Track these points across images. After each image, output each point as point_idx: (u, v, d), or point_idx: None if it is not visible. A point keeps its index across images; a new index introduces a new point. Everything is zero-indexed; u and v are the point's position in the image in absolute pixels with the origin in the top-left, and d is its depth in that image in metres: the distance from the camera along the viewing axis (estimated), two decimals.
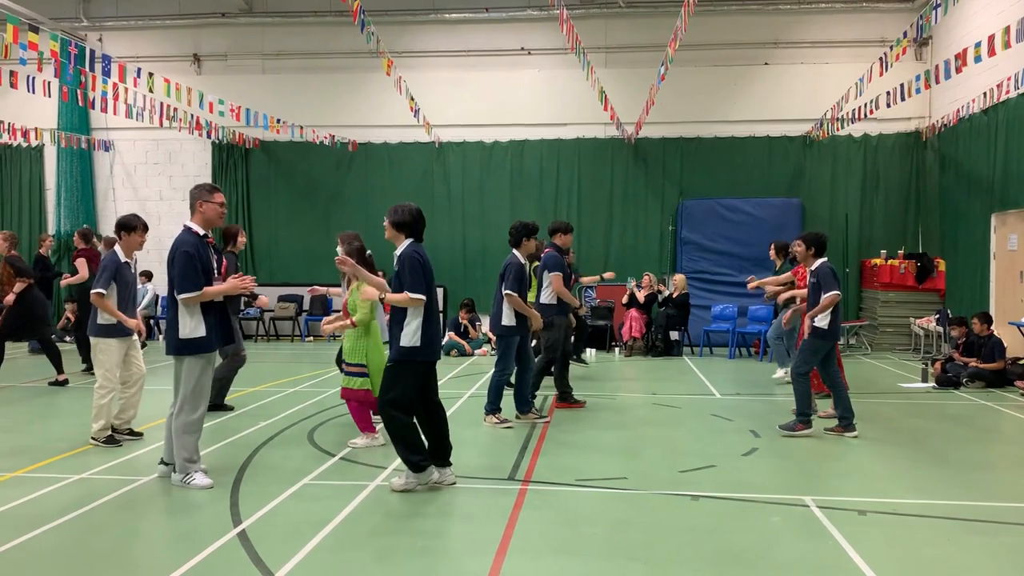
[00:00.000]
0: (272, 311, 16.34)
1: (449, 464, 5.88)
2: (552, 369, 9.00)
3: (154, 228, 16.30)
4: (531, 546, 4.70)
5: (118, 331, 7.00)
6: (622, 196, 16.46)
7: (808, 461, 6.71)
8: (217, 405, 8.25)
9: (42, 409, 9.02)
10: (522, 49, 16.60)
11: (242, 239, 8.72)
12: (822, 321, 7.51)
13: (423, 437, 5.77)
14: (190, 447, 5.77)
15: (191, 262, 5.58)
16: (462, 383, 10.84)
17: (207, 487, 5.71)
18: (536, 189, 16.64)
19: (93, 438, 7.00)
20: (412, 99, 13.99)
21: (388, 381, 5.62)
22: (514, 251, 8.14)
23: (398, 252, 5.65)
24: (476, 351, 14.10)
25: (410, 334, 5.53)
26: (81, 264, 10.80)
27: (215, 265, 5.91)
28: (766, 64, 16.24)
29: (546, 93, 16.60)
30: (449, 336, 14.32)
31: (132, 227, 7.01)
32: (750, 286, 10.42)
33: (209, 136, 16.37)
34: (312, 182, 17.10)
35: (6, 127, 14.85)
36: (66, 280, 11.27)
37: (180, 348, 5.68)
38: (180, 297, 5.61)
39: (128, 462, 6.52)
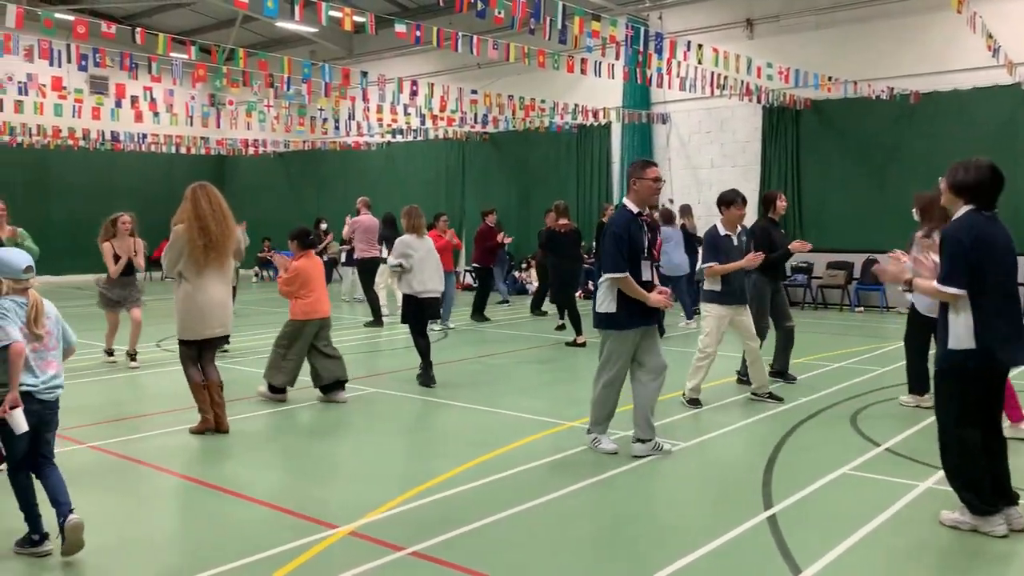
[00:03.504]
0: (820, 278, 15.81)
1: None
2: None
3: (705, 194, 17.18)
4: None
5: (723, 297, 7.25)
6: None
7: None
8: (780, 372, 8.27)
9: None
10: None
11: (782, 203, 8.42)
12: None
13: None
14: (596, 411, 5.91)
15: (617, 243, 5.60)
16: None
17: (610, 452, 5.80)
18: None
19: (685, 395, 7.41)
20: (990, 36, 11.98)
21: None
22: None
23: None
24: None
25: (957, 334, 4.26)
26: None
27: (647, 243, 5.79)
28: None
29: None
30: None
31: (731, 201, 7.35)
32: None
33: (759, 101, 16.28)
34: (866, 140, 15.88)
35: (580, 109, 16.75)
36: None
37: (597, 322, 5.85)
38: (605, 276, 5.69)
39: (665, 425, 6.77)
